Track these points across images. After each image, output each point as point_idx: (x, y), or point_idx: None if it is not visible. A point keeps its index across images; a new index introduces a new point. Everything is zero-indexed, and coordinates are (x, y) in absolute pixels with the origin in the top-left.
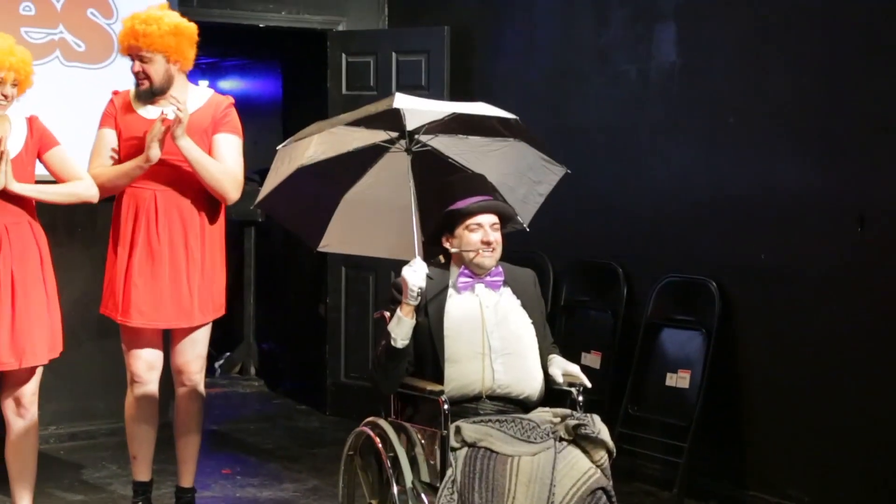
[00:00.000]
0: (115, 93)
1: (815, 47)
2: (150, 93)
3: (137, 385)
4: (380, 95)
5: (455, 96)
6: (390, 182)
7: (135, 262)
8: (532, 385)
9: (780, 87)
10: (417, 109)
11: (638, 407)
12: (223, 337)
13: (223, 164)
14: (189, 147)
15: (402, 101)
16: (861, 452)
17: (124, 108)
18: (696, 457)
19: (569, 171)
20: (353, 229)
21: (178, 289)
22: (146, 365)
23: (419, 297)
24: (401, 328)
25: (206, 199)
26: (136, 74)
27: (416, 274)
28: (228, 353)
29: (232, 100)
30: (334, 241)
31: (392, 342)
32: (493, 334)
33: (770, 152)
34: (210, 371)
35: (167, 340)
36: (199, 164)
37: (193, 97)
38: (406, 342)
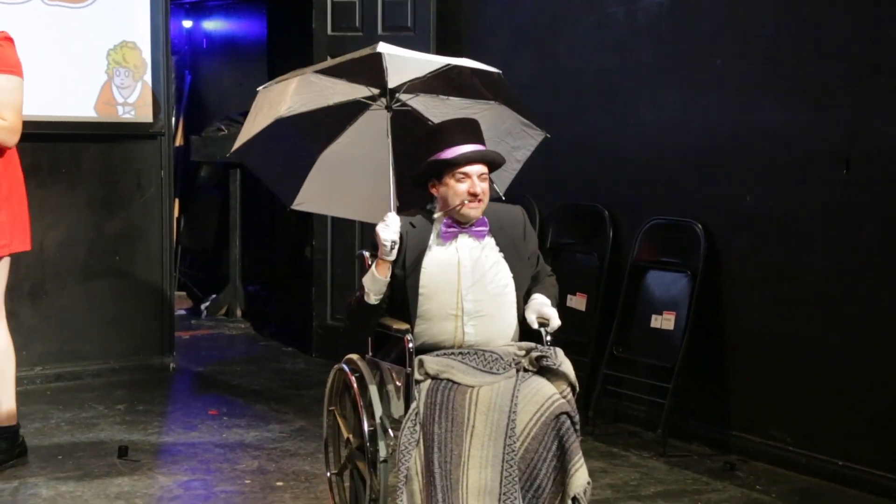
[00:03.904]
0: None
1: None
2: None
3: None
4: (365, 37)
5: (441, 39)
6: (368, 142)
7: None
8: (500, 342)
9: (768, 30)
10: (400, 57)
11: (623, 349)
12: (209, 279)
13: None
14: None
15: (384, 49)
16: (843, 394)
17: None
18: (681, 398)
19: (548, 135)
20: (328, 189)
21: None
22: None
23: (393, 251)
24: (375, 285)
25: None
26: None
27: (388, 228)
28: (214, 296)
29: (6, 34)
30: (308, 199)
31: (365, 297)
32: (467, 297)
33: (757, 95)
34: (196, 313)
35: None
36: None
37: None
38: (379, 297)
